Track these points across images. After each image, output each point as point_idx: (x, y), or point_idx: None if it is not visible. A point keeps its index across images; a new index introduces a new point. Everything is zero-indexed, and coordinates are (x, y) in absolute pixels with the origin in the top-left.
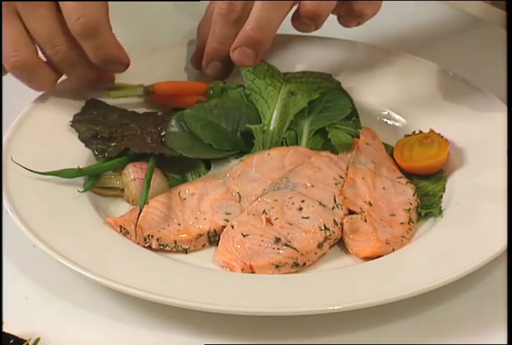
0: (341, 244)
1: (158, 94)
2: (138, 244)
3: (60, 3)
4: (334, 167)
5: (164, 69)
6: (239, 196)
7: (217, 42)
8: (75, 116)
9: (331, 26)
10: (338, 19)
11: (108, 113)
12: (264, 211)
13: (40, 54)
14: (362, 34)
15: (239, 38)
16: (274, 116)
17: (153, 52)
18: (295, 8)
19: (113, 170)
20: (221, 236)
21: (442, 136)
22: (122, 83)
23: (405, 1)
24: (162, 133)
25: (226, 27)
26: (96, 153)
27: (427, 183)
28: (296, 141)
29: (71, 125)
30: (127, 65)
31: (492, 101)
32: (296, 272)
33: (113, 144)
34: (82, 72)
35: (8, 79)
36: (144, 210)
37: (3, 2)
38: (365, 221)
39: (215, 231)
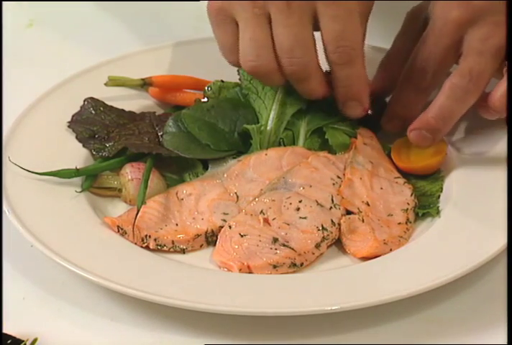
0: (338, 244)
1: (157, 87)
2: (136, 244)
3: (321, 23)
4: (332, 167)
5: (164, 69)
6: (237, 196)
7: (402, 107)
8: (73, 115)
9: None
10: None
11: (105, 113)
12: (261, 211)
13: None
14: None
15: (419, 121)
16: (271, 116)
17: (153, 52)
18: None
19: (110, 170)
20: (218, 236)
21: None
22: (121, 76)
23: (405, 1)
24: (160, 133)
25: (414, 95)
26: (94, 153)
27: (425, 183)
28: (293, 142)
29: (68, 126)
30: (365, 110)
31: None
32: (294, 272)
33: (110, 144)
34: (309, 89)
35: (8, 79)
36: (141, 210)
37: (251, 2)
38: (363, 221)
39: (212, 231)
